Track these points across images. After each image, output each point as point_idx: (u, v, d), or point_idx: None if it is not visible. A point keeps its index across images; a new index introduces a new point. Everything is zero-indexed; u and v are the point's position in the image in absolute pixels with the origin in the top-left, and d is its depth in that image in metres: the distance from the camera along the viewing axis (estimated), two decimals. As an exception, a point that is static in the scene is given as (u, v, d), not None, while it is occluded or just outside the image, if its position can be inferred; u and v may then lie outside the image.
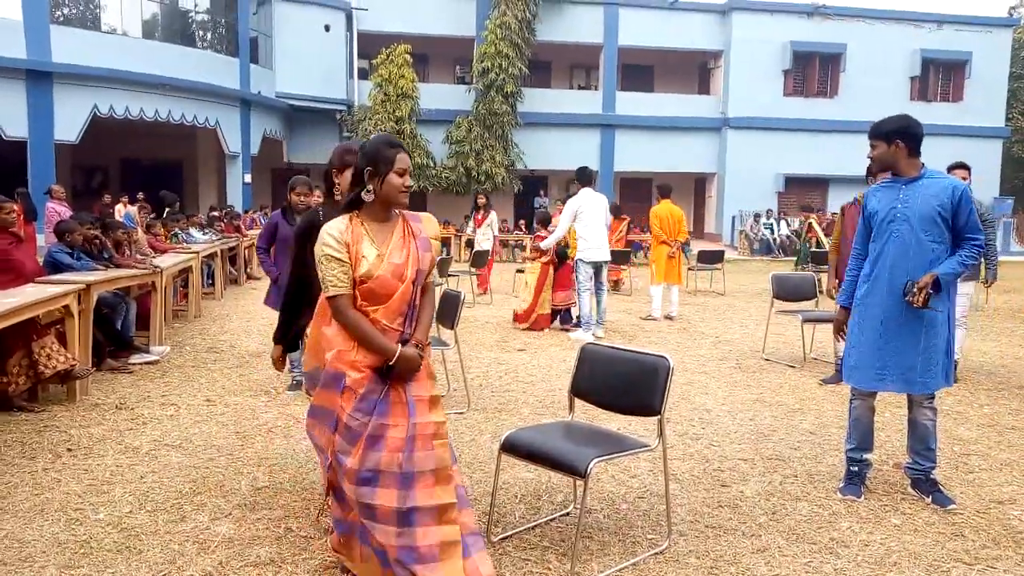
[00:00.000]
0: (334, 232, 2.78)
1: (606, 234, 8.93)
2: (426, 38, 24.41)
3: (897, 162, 3.91)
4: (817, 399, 6.11)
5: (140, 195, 15.30)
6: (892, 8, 26.69)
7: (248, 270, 14.89)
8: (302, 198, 5.85)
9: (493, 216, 13.22)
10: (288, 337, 3.79)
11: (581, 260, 8.74)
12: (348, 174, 3.30)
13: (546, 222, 10.30)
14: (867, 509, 3.88)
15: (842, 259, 6.16)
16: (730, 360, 7.66)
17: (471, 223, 15.54)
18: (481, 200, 13.24)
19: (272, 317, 5.75)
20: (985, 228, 5.75)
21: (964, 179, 5.79)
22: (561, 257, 9.43)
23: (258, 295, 11.12)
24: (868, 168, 6.41)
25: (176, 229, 12.02)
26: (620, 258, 13.11)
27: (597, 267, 8.83)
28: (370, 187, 2.79)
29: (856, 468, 4.11)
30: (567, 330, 9.21)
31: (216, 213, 17.60)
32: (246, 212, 18.22)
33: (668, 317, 10.30)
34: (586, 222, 8.64)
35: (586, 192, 8.80)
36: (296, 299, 3.71)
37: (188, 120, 19.15)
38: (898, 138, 3.86)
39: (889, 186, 3.98)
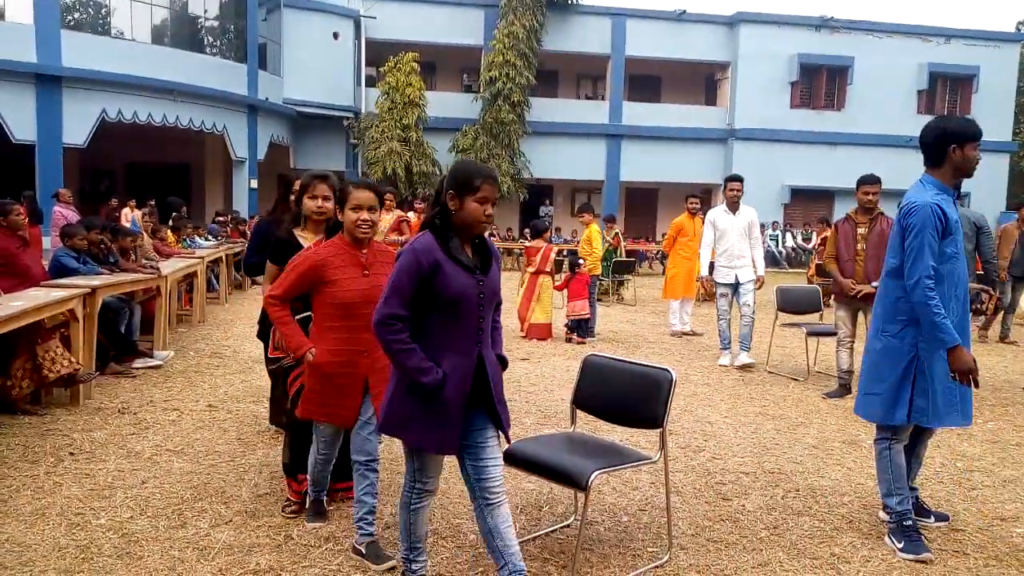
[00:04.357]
0: None
1: (748, 252, 8.02)
2: (434, 47, 24.51)
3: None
4: (821, 413, 6.09)
5: (152, 201, 15.29)
6: (900, 22, 26.71)
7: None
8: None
9: None
10: None
11: (716, 281, 8.16)
12: None
13: (538, 233, 9.91)
14: (868, 524, 3.86)
15: (842, 268, 6.57)
16: (733, 372, 7.65)
17: None
18: None
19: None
20: None
21: None
22: (572, 267, 9.43)
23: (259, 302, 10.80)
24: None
25: (185, 236, 12.09)
26: None
27: (734, 288, 7.98)
28: None
29: (910, 522, 3.58)
30: (571, 340, 9.20)
31: (222, 218, 17.68)
32: (251, 217, 18.24)
33: (687, 333, 10.09)
34: (719, 238, 8.10)
35: (720, 207, 8.32)
36: None
37: (196, 125, 19.24)
38: None
39: (949, 197, 3.59)
